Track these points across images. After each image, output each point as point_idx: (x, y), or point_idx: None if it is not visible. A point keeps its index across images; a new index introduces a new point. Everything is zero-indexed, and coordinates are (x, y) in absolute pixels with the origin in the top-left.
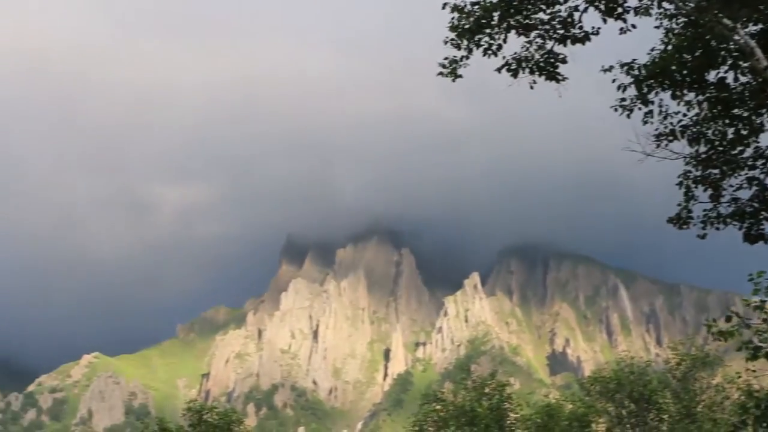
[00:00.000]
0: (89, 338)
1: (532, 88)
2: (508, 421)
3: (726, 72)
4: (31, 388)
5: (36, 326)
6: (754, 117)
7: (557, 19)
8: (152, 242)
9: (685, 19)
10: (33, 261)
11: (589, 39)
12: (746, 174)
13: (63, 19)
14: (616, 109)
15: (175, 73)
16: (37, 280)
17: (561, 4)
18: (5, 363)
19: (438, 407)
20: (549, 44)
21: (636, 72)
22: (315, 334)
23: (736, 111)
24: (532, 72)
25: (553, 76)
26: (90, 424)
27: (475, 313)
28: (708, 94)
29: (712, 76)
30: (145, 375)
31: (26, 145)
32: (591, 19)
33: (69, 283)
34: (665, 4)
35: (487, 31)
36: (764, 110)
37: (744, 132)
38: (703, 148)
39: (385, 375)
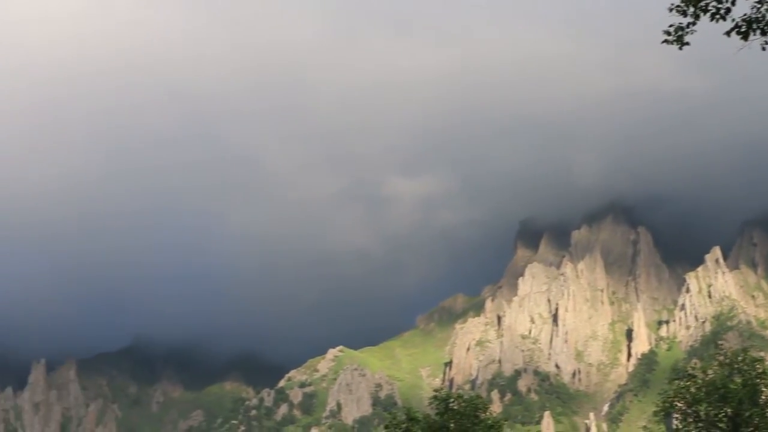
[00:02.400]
0: (333, 332)
1: (764, 49)
2: (763, 398)
3: None
4: (281, 383)
5: (283, 322)
6: None
7: None
8: (390, 235)
9: None
10: (278, 260)
11: None
12: None
13: (284, 20)
14: None
15: (399, 66)
16: (282, 278)
17: None
18: (256, 360)
19: (688, 384)
20: None
21: None
22: (554, 317)
23: None
24: (763, 33)
25: None
26: (339, 416)
27: (718, 288)
28: None
29: None
30: (390, 366)
31: (264, 148)
32: None
33: (312, 280)
34: None
35: None
36: None
37: None
38: None
39: (629, 355)
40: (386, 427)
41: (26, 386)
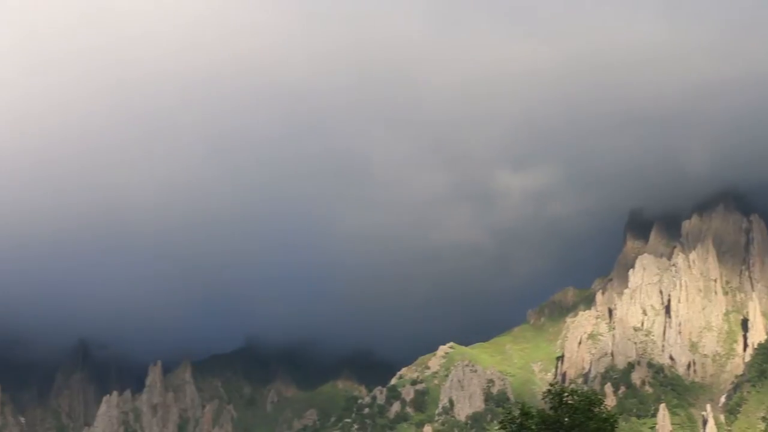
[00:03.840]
0: (443, 329)
1: None
2: None
3: None
4: (393, 381)
5: (393, 320)
6: None
7: None
8: (499, 230)
9: None
10: (387, 258)
11: None
12: None
13: (390, 16)
14: None
15: (504, 60)
16: (391, 276)
17: None
18: (367, 358)
19: None
20: None
21: None
22: (667, 309)
23: None
24: None
25: None
26: (452, 413)
27: None
28: None
29: None
30: (501, 362)
31: (372, 146)
32: None
33: (421, 276)
34: None
35: None
36: None
37: None
38: None
39: (745, 345)
40: (501, 422)
41: (144, 388)
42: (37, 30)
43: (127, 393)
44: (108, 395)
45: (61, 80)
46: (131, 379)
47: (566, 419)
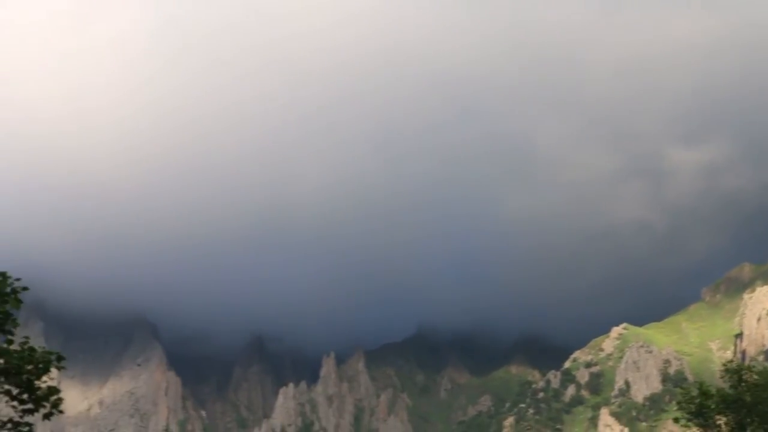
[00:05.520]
0: (615, 309)
1: None
2: None
3: None
4: (567, 364)
5: (564, 302)
6: None
7: None
8: (672, 206)
9: None
10: (556, 240)
11: None
12: None
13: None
14: None
15: (671, 35)
16: (561, 258)
17: None
18: (539, 342)
19: None
20: None
21: None
22: None
23: None
24: None
25: None
26: (629, 395)
27: None
28: None
29: None
30: (676, 341)
31: (538, 128)
32: None
33: (591, 257)
34: None
35: None
36: None
37: None
38: None
39: None
40: (678, 402)
41: (318, 379)
42: (206, 31)
43: (303, 385)
44: (284, 387)
45: (227, 81)
46: (306, 370)
47: (748, 397)
